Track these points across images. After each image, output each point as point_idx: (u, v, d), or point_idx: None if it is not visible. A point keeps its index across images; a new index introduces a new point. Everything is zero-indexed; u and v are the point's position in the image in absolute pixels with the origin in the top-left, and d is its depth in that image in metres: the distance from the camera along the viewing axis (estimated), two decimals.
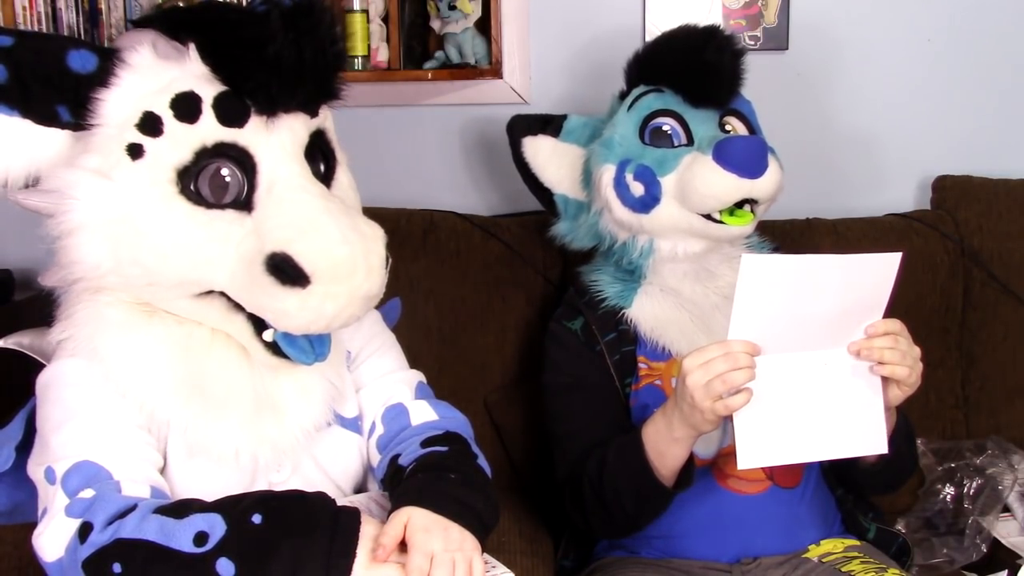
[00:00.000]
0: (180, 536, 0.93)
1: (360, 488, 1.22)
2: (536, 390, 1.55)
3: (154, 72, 1.02)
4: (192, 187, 1.00)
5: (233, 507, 0.95)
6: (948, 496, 1.70)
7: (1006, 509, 1.68)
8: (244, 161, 1.02)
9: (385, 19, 1.88)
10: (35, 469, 1.03)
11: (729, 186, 1.36)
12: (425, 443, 1.15)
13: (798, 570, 1.34)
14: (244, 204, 1.02)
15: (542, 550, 1.45)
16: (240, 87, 1.01)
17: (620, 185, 1.43)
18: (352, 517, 0.97)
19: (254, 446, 1.06)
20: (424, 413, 1.20)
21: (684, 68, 1.43)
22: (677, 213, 1.40)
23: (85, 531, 0.94)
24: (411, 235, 1.71)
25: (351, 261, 0.99)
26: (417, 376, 1.26)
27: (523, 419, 1.69)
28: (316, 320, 1.01)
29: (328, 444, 1.16)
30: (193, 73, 1.02)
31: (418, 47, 1.95)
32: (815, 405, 1.18)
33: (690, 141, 1.42)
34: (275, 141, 1.03)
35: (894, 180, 2.01)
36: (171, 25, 1.04)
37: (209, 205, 1.01)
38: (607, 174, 1.44)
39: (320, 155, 1.10)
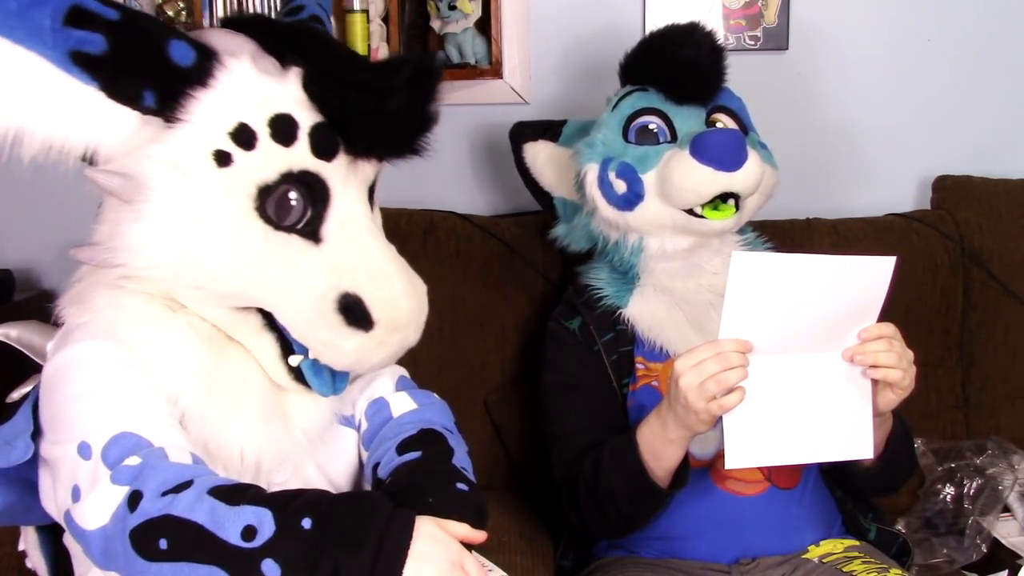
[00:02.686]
0: (229, 526, 0.90)
1: (357, 486, 1.22)
2: (536, 390, 1.55)
3: (253, 84, 1.02)
4: (264, 206, 1.01)
5: (285, 505, 0.92)
6: (948, 496, 1.70)
7: (1006, 509, 1.67)
8: (317, 192, 1.03)
9: (385, 19, 1.88)
10: (54, 448, 1.00)
11: (706, 179, 1.36)
12: (400, 447, 1.14)
13: (798, 571, 1.34)
14: (311, 234, 1.03)
15: (541, 550, 1.45)
16: (347, 128, 1.03)
17: (604, 183, 1.44)
18: (404, 527, 0.93)
19: (260, 448, 1.06)
20: (404, 404, 1.20)
21: (663, 66, 1.43)
22: (661, 209, 1.41)
23: (135, 499, 0.91)
24: (411, 235, 1.71)
25: (410, 315, 1.05)
26: (399, 370, 1.26)
27: (523, 419, 1.69)
28: (362, 362, 1.05)
29: (329, 444, 1.16)
30: (292, 96, 1.02)
31: (418, 47, 1.95)
32: (806, 407, 1.18)
33: (675, 138, 1.43)
34: (352, 180, 1.06)
35: (894, 180, 2.01)
36: (272, 41, 1.05)
37: (276, 226, 1.01)
38: (591, 173, 1.45)
39: (371, 193, 1.13)
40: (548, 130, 1.65)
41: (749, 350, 1.13)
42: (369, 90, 1.02)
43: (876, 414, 1.21)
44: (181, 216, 0.98)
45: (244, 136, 1.00)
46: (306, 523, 0.91)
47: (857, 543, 1.42)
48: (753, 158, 1.37)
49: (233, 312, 1.05)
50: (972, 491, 1.69)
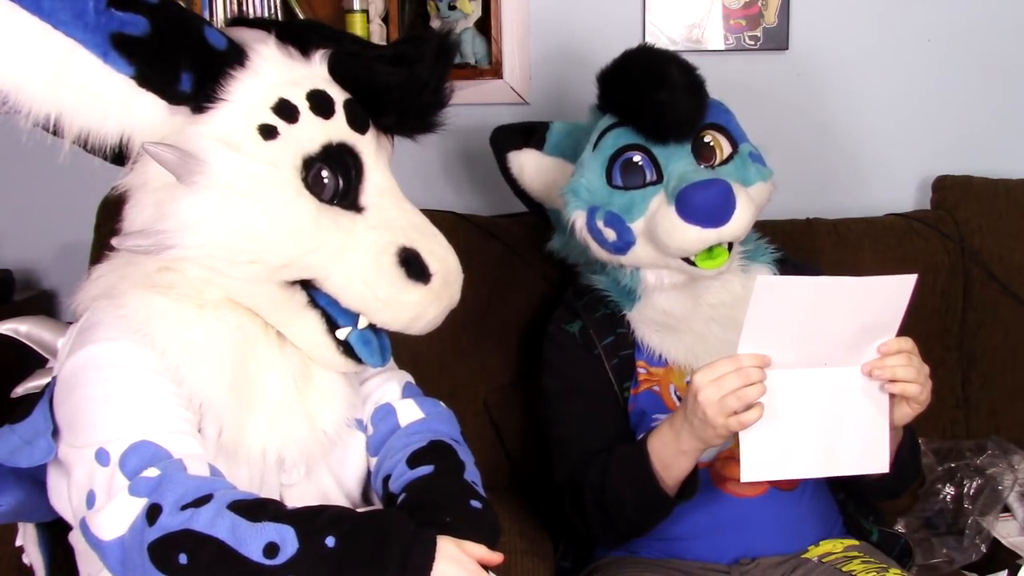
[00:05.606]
0: (251, 543, 0.90)
1: (365, 490, 1.22)
2: (536, 391, 1.55)
3: (283, 64, 1.07)
4: (308, 178, 1.04)
5: (307, 523, 0.92)
6: (948, 496, 1.70)
7: (1006, 509, 1.68)
8: (351, 165, 1.07)
9: (385, 19, 1.88)
10: (70, 450, 0.99)
11: (693, 238, 1.32)
12: (411, 460, 1.14)
13: (798, 570, 1.34)
14: (352, 205, 1.07)
15: (542, 550, 1.45)
16: (377, 101, 1.09)
17: (593, 231, 1.40)
18: (426, 549, 0.95)
19: (281, 447, 1.06)
20: (411, 412, 1.20)
21: (639, 110, 1.37)
22: (653, 254, 1.37)
23: (154, 512, 0.91)
24: None
25: (458, 269, 1.11)
26: (405, 376, 1.26)
27: (523, 419, 1.69)
28: (420, 317, 1.08)
29: (340, 446, 1.16)
30: (320, 76, 1.09)
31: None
32: (822, 421, 1.17)
33: (660, 176, 1.37)
34: (381, 153, 1.11)
35: (894, 180, 2.01)
36: (287, 32, 1.11)
37: (319, 199, 1.05)
38: (579, 220, 1.41)
39: None
40: (532, 135, 1.60)
41: (768, 365, 1.13)
42: (400, 61, 1.08)
43: (891, 427, 1.20)
44: (237, 188, 1.00)
45: (286, 110, 1.04)
46: (329, 541, 0.91)
47: (857, 543, 1.41)
48: (741, 205, 1.31)
49: (281, 288, 1.06)
50: (972, 491, 1.69)
